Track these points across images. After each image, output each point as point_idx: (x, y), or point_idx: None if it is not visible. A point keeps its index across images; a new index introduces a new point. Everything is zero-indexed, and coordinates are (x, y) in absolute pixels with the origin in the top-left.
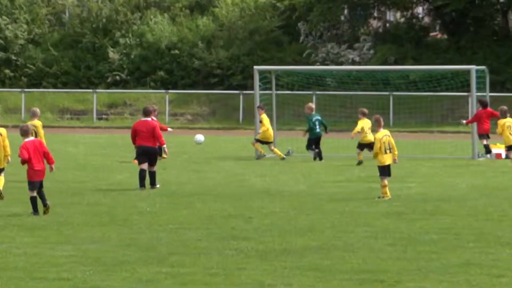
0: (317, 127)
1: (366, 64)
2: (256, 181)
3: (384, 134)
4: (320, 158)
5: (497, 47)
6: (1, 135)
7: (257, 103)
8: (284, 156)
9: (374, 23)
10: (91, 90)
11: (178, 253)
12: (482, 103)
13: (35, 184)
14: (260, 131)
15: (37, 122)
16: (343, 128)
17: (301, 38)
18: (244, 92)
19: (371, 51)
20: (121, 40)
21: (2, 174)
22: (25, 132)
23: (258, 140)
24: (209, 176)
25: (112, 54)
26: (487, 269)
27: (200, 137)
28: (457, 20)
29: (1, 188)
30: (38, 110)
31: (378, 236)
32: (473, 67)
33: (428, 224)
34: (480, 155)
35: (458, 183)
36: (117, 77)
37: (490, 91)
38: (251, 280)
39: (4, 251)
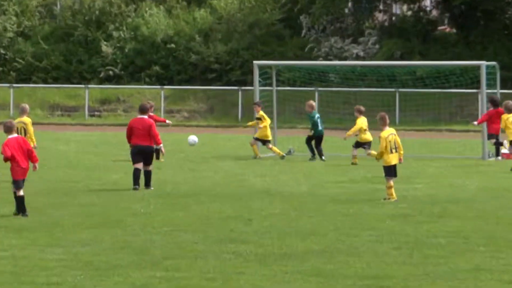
0: (320, 125)
1: (371, 59)
2: (255, 181)
3: (390, 132)
4: (321, 157)
5: (508, 42)
6: None
7: (257, 99)
8: (284, 155)
9: (380, 16)
10: (83, 86)
11: (173, 256)
12: (493, 102)
13: (21, 183)
14: (261, 125)
15: (26, 119)
16: (347, 126)
17: (303, 31)
18: (243, 88)
19: (377, 46)
20: (115, 33)
21: None
22: (8, 129)
23: (257, 139)
24: (206, 175)
25: (105, 48)
26: (497, 275)
27: (193, 138)
28: (466, 13)
29: None
30: (27, 106)
31: (383, 239)
32: (483, 63)
33: (435, 227)
34: (490, 155)
35: (467, 184)
36: (110, 72)
37: (501, 88)
38: (250, 286)
39: None
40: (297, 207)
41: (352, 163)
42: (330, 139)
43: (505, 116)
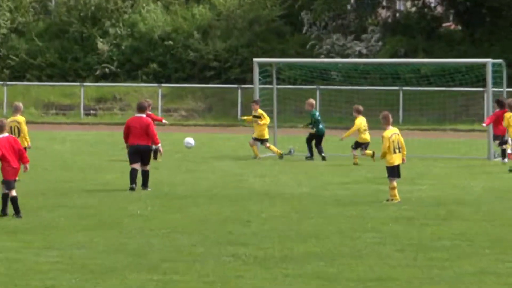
0: (321, 123)
1: (374, 57)
2: (255, 182)
3: (393, 132)
4: (321, 154)
5: None
6: None
7: (257, 98)
8: (282, 154)
9: (383, 12)
10: (78, 84)
11: (171, 259)
12: (500, 103)
13: (12, 183)
14: (261, 122)
15: (20, 118)
16: (349, 125)
17: (304, 28)
18: (243, 86)
19: (380, 43)
20: (111, 30)
21: None
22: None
23: (256, 139)
24: (204, 176)
25: (101, 45)
26: (503, 278)
27: (189, 140)
28: (472, 10)
29: None
30: (21, 104)
31: (386, 242)
32: (489, 61)
33: (440, 230)
34: (496, 155)
35: (472, 186)
36: (106, 70)
37: (508, 86)
38: None
39: None
40: (298, 209)
41: (354, 163)
42: (331, 138)
43: (508, 115)
